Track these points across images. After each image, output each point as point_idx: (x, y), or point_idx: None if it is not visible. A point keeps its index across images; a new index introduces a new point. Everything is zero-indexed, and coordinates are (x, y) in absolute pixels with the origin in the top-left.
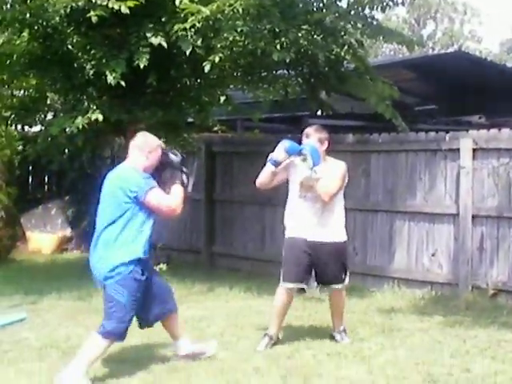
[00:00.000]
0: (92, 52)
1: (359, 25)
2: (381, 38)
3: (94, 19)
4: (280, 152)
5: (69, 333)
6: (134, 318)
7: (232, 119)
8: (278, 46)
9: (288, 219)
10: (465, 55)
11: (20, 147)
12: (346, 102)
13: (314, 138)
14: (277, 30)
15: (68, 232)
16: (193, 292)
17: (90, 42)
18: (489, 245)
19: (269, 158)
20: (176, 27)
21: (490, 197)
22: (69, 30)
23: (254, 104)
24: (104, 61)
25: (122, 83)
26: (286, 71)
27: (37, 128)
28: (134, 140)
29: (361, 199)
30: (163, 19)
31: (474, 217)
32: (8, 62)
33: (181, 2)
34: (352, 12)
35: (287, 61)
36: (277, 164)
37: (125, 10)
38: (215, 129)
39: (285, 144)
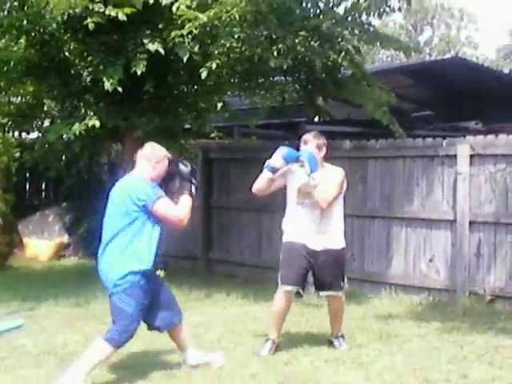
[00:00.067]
0: (89, 59)
1: (356, 31)
2: (378, 44)
3: (91, 26)
4: (278, 159)
5: (66, 339)
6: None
7: (229, 126)
8: (275, 53)
9: (286, 225)
10: (461, 61)
11: (17, 154)
12: (343, 108)
13: (311, 144)
14: (274, 36)
15: (65, 238)
16: (190, 298)
17: (87, 49)
18: (486, 251)
19: (266, 164)
20: (173, 34)
21: (487, 203)
22: (66, 37)
23: (251, 110)
24: (101, 67)
25: (119, 89)
26: (282, 77)
27: (34, 135)
28: (141, 150)
29: (358, 205)
30: (160, 26)
31: (471, 223)
32: (5, 68)
33: (178, 9)
34: (349, 18)
35: (284, 67)
36: (274, 171)
37: (122, 16)
38: (212, 135)
39: (283, 151)
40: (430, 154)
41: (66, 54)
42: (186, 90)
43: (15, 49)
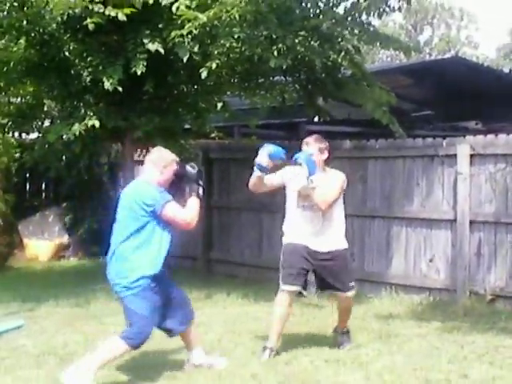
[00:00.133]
0: (89, 59)
1: (356, 31)
2: (377, 44)
3: (91, 26)
4: (263, 156)
5: (66, 340)
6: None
7: (229, 126)
8: (275, 53)
9: (287, 227)
10: (462, 61)
11: (17, 154)
12: (343, 108)
13: (313, 147)
14: (274, 36)
15: (65, 239)
16: (190, 298)
17: (86, 49)
18: (486, 250)
19: (255, 162)
20: (173, 34)
21: (487, 202)
22: (65, 37)
23: (251, 110)
24: (101, 68)
25: (120, 89)
26: (282, 77)
27: (34, 135)
28: (148, 155)
29: (358, 205)
30: (160, 26)
31: (471, 222)
32: (5, 69)
33: (178, 9)
34: (349, 18)
35: (284, 67)
36: (262, 169)
37: (122, 17)
38: (212, 135)
39: (268, 148)
40: (430, 154)
41: (66, 54)
42: (185, 89)
43: (15, 49)
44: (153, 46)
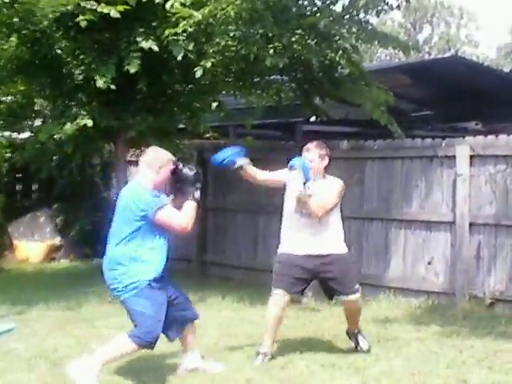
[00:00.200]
0: (81, 57)
1: (354, 29)
2: (376, 42)
3: (84, 24)
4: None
5: (57, 343)
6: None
7: (224, 125)
8: (271, 51)
9: (283, 234)
10: (461, 60)
11: (8, 154)
12: (341, 108)
13: (314, 153)
14: (270, 34)
15: (57, 240)
16: None
17: (79, 47)
18: (486, 253)
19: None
20: (167, 32)
21: (487, 204)
22: (57, 35)
23: (247, 110)
24: (93, 66)
25: (113, 87)
26: (279, 76)
27: (25, 135)
28: (143, 155)
29: (356, 207)
30: (154, 24)
31: (471, 225)
32: None
33: (172, 7)
34: (346, 16)
35: (280, 66)
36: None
37: (115, 14)
38: (207, 135)
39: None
40: (429, 155)
41: (58, 52)
42: (180, 89)
43: (6, 47)
44: (146, 44)
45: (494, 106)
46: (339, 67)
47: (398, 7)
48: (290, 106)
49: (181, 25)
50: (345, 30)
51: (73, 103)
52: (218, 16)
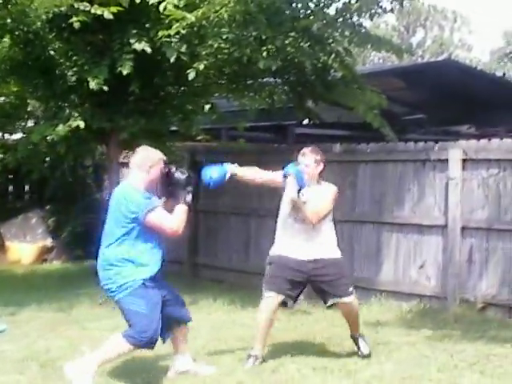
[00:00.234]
0: (74, 58)
1: (347, 32)
2: (369, 45)
3: (77, 25)
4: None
5: (49, 345)
6: None
7: (216, 128)
8: (264, 54)
9: (277, 238)
10: (455, 64)
11: (0, 155)
12: (334, 111)
13: (309, 158)
14: (263, 37)
15: (49, 242)
16: None
17: (72, 48)
18: (478, 257)
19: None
20: (160, 33)
21: (479, 208)
22: (50, 36)
23: (240, 113)
24: (86, 67)
25: (105, 88)
26: (272, 79)
27: (17, 136)
28: (133, 156)
29: (347, 210)
30: (147, 25)
31: (463, 228)
32: None
33: (165, 8)
34: (340, 19)
35: (273, 69)
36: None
37: (108, 15)
38: (199, 138)
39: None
40: (422, 158)
41: (51, 53)
42: (172, 91)
43: None
44: (139, 46)
45: (486, 110)
46: (332, 70)
47: (392, 10)
48: (283, 108)
49: (174, 27)
50: (338, 33)
51: (65, 104)
52: (212, 18)
